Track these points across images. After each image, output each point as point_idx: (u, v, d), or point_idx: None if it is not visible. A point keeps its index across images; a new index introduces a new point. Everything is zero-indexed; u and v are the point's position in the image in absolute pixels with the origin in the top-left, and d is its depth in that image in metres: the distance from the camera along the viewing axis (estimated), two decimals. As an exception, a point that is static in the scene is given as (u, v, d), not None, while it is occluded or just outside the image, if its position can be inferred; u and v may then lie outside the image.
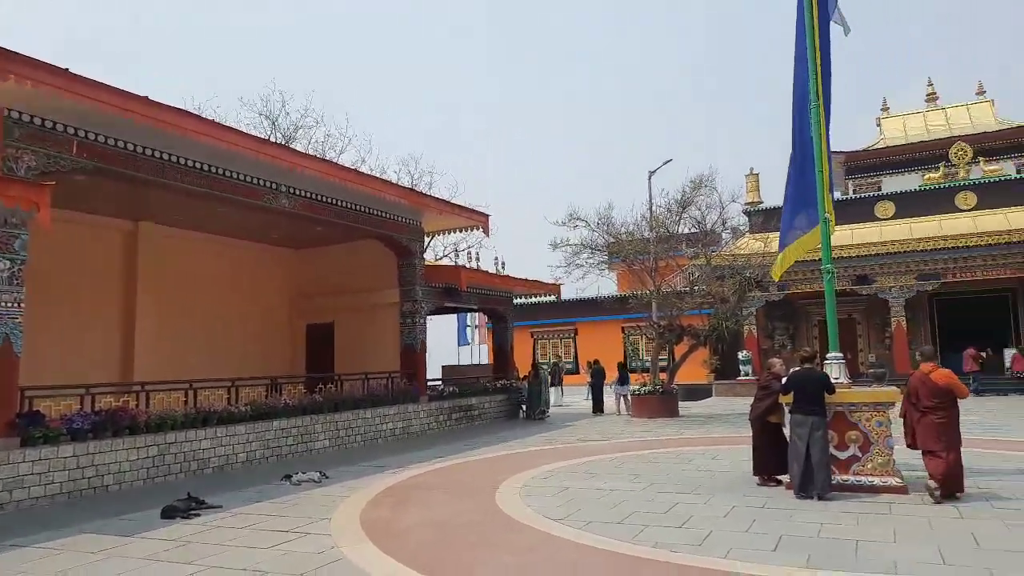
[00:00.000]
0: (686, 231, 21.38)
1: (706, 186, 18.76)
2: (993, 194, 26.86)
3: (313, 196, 14.60)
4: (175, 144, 11.21)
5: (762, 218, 28.71)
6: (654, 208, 20.62)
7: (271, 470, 11.54)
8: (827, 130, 9.00)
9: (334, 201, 15.16)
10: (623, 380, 21.34)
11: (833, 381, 8.83)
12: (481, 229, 18.64)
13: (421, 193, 18.41)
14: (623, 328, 31.20)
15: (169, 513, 8.07)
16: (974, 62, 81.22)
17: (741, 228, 27.84)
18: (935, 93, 36.10)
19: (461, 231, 20.23)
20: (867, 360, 29.41)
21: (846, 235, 27.51)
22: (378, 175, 20.23)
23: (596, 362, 23.44)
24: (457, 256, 30.14)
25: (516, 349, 34.71)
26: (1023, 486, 8.32)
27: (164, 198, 13.40)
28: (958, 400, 8.03)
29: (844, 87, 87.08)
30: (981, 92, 35.41)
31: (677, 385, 23.00)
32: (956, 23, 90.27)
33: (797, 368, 8.85)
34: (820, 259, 9.56)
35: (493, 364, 23.60)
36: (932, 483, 7.65)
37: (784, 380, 8.84)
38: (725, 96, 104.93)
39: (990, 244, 24.76)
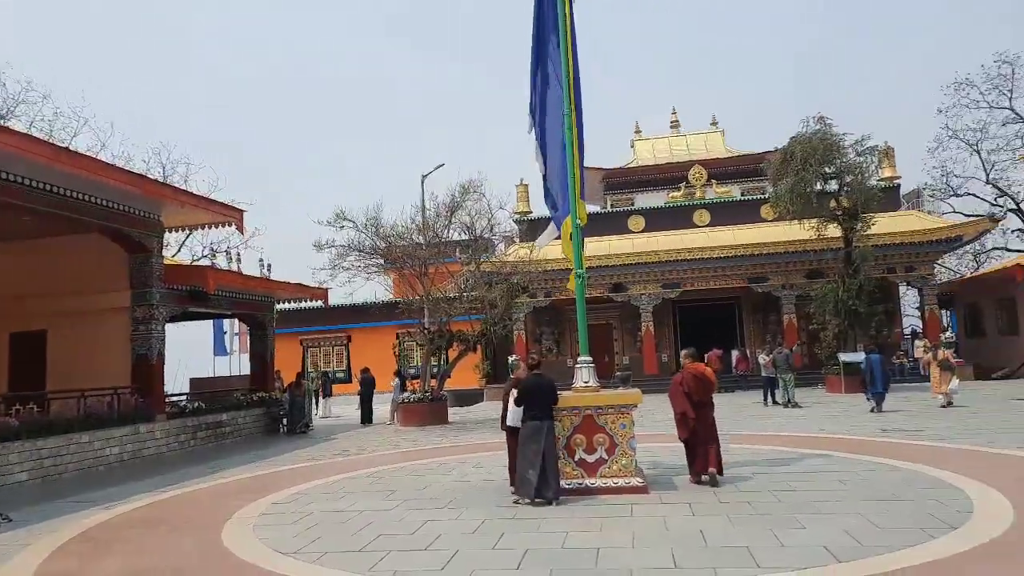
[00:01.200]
0: (457, 237, 21.33)
1: (475, 192, 18.82)
2: (723, 213, 30.53)
3: (17, 179, 12.05)
4: None
5: (530, 227, 29.85)
6: (425, 212, 20.28)
7: (-67, 518, 9.14)
8: (580, 138, 9.16)
9: (47, 187, 12.65)
10: (368, 390, 20.74)
11: (583, 385, 8.99)
12: (235, 226, 16.87)
13: (156, 181, 16.21)
14: (398, 335, 30.53)
15: None
16: (711, 95, 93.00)
17: (511, 236, 28.61)
18: (678, 121, 40.33)
19: (213, 227, 18.14)
20: (621, 363, 31.86)
21: (603, 246, 29.54)
22: (123, 165, 17.46)
23: (366, 370, 22.55)
24: (215, 256, 27.44)
25: (285, 359, 32.65)
26: (752, 477, 9.06)
27: None
28: None
29: (609, 109, 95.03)
30: (715, 123, 40.23)
31: (448, 391, 22.89)
32: (696, 60, 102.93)
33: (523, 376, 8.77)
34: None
35: (252, 375, 21.64)
36: (712, 470, 8.67)
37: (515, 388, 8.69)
38: (498, 105, 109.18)
39: (721, 257, 28.04)
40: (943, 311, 31.67)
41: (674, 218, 30.91)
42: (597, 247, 29.25)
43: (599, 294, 29.66)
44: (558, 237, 9.83)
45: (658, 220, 30.95)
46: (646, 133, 40.45)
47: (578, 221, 9.07)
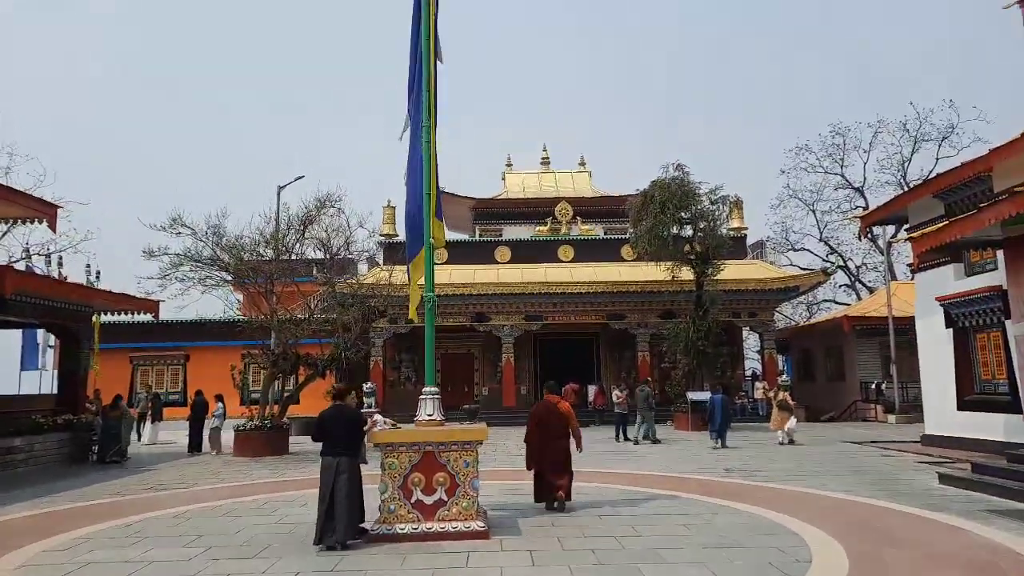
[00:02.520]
0: (312, 254, 19.98)
1: (332, 206, 17.67)
2: (586, 250, 31.11)
3: None
4: None
5: (394, 250, 28.87)
6: (279, 225, 18.85)
7: None
8: (436, 153, 8.53)
9: None
10: (199, 415, 18.95)
11: (426, 418, 8.25)
12: (47, 223, 14.73)
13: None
14: (243, 355, 28.19)
15: None
16: (580, 136, 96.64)
17: (373, 257, 27.50)
18: (548, 158, 41.16)
19: (22, 223, 15.83)
20: (481, 393, 31.35)
21: (469, 275, 29.11)
22: None
23: (199, 393, 20.46)
24: (29, 258, 24.23)
25: (112, 377, 29.19)
26: (598, 518, 8.63)
27: None
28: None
29: (481, 140, 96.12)
30: (583, 163, 41.42)
31: (294, 419, 21.24)
32: (569, 102, 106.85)
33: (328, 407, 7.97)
34: (445, 293, 9.04)
35: (61, 394, 18.96)
36: (561, 494, 9.13)
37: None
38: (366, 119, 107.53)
39: (582, 292, 28.40)
40: (780, 355, 33.93)
41: (540, 252, 31.11)
42: (463, 275, 28.79)
43: (462, 323, 29.12)
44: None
45: (524, 252, 31.01)
46: (517, 167, 40.90)
47: (431, 240, 8.41)
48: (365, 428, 7.87)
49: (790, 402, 18.77)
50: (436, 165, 8.43)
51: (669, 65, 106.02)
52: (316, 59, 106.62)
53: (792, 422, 18.18)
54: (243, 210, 26.43)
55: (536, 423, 9.37)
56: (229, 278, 17.79)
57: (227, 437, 19.28)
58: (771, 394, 19.46)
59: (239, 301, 24.72)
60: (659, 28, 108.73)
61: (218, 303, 35.28)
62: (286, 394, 19.71)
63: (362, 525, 7.71)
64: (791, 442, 17.93)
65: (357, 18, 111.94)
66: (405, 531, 7.64)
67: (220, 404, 19.01)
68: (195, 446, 19.26)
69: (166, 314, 22.00)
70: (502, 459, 15.39)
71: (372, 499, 7.83)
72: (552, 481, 9.16)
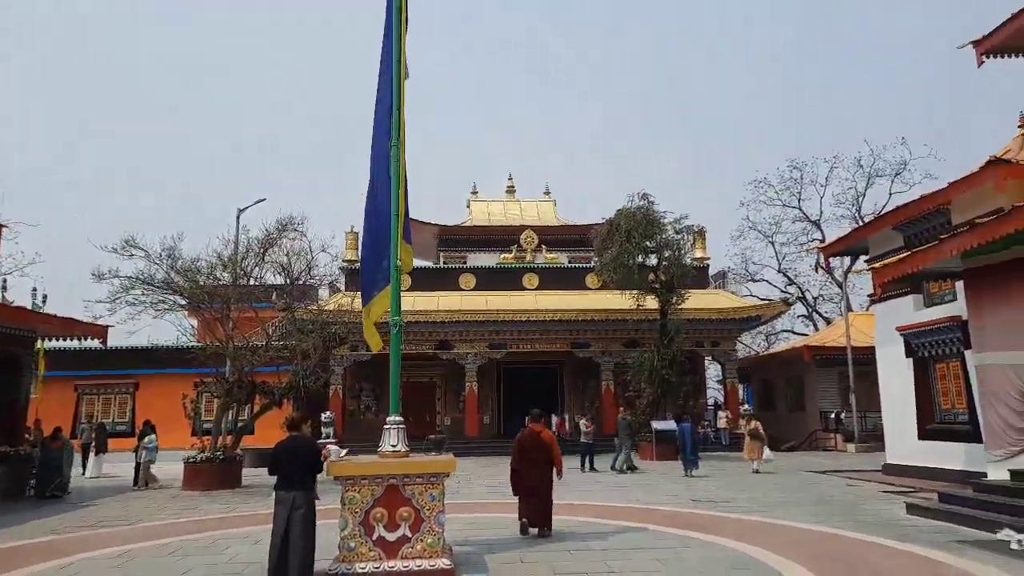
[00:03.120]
0: (272, 279, 19.38)
1: (293, 229, 17.20)
2: (551, 278, 31.04)
3: None
4: None
5: (359, 276, 28.35)
6: (237, 249, 18.29)
7: None
8: (405, 175, 8.27)
9: None
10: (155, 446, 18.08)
11: (390, 449, 7.86)
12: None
13: None
14: (196, 384, 27.14)
15: None
16: (545, 167, 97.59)
17: (335, 284, 26.96)
18: (513, 186, 41.24)
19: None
20: (443, 423, 30.77)
21: (432, 302, 28.73)
22: None
23: (146, 424, 19.52)
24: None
25: (56, 407, 27.78)
26: (569, 553, 8.30)
27: None
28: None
29: (446, 169, 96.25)
30: (548, 192, 41.62)
31: (248, 450, 20.42)
32: (534, 133, 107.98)
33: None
34: (408, 320, 8.70)
35: (-4, 425, 17.90)
36: (535, 529, 9.46)
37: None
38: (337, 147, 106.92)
39: (547, 320, 28.22)
40: (740, 385, 34.18)
41: (505, 279, 30.93)
42: (427, 302, 28.40)
43: (425, 350, 28.65)
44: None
45: (489, 280, 30.79)
46: (483, 196, 40.88)
47: (398, 263, 8.10)
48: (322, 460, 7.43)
49: (761, 431, 18.98)
50: (405, 186, 8.17)
51: (633, 97, 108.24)
52: (278, 80, 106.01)
53: (767, 452, 18.61)
54: (201, 235, 25.73)
55: (519, 451, 9.80)
56: (183, 303, 17.10)
57: (171, 469, 18.43)
58: (743, 424, 19.68)
59: (193, 327, 23.90)
60: (625, 58, 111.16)
61: (171, 329, 34.08)
62: (240, 424, 18.95)
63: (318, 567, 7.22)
64: (756, 471, 18.14)
65: (318, 41, 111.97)
66: (366, 570, 7.19)
67: (152, 435, 18.13)
68: (144, 480, 18.33)
69: (115, 340, 21.08)
70: (466, 492, 14.92)
71: (325, 535, 7.35)
72: (534, 508, 9.56)
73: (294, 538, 6.78)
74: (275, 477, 7.18)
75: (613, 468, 19.34)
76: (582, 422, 21.46)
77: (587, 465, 19.64)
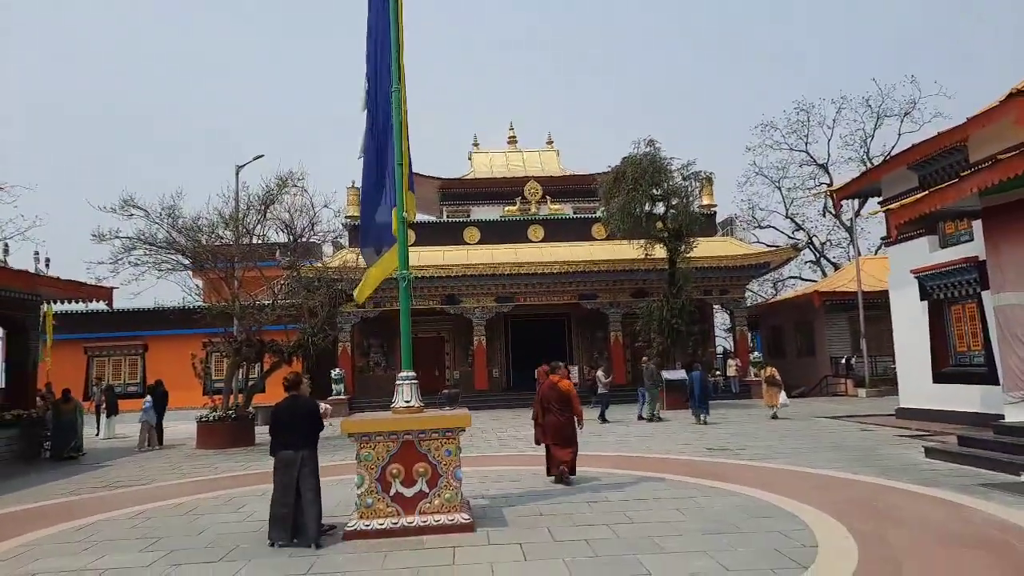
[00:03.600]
0: (275, 237, 19.10)
1: (294, 185, 16.84)
2: (556, 230, 30.66)
3: None
4: None
5: (360, 232, 28.05)
6: (238, 207, 17.97)
7: None
8: (407, 122, 7.92)
9: None
10: (160, 406, 18.09)
11: (403, 405, 7.72)
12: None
13: None
14: (204, 344, 27.16)
15: None
16: (548, 115, 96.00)
17: (339, 239, 26.66)
18: (515, 137, 40.38)
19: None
20: (452, 378, 30.84)
21: (437, 256, 28.48)
22: None
23: (158, 383, 19.56)
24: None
25: (67, 370, 27.89)
26: (586, 505, 8.23)
27: None
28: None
29: (447, 121, 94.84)
30: (550, 142, 40.76)
31: (259, 408, 20.50)
32: (530, 81, 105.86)
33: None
34: (415, 275, 8.43)
35: (8, 388, 17.94)
36: (564, 468, 9.71)
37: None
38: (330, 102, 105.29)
39: (554, 272, 27.97)
40: (749, 332, 34.06)
41: (509, 232, 30.57)
42: (432, 257, 28.15)
43: (432, 305, 28.52)
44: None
45: (494, 233, 30.44)
46: (484, 147, 40.12)
47: (404, 214, 7.81)
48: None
49: (778, 377, 19.22)
50: (407, 133, 7.83)
51: (634, 44, 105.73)
52: (274, 39, 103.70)
53: (783, 397, 18.88)
54: (200, 193, 25.32)
55: (540, 402, 10.11)
56: (186, 262, 16.88)
57: (185, 428, 18.48)
58: (760, 372, 19.91)
59: (199, 287, 23.74)
60: (626, 7, 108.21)
61: (177, 290, 34.00)
62: (251, 383, 18.94)
63: (323, 522, 7.27)
64: (774, 416, 18.49)
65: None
66: (384, 526, 7.13)
67: (148, 396, 18.19)
68: (157, 439, 18.46)
69: (122, 302, 20.97)
70: (480, 445, 14.93)
71: (338, 491, 7.29)
72: (557, 455, 9.82)
73: (307, 496, 6.87)
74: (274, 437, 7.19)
75: (641, 417, 19.51)
76: (599, 373, 21.39)
77: (605, 416, 19.64)
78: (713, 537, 6.58)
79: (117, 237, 15.61)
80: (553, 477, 9.89)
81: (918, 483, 8.83)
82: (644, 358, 21.86)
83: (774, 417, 18.50)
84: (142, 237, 15.83)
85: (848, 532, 6.54)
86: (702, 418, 17.94)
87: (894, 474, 9.56)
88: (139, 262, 15.93)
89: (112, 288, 17.36)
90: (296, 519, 6.85)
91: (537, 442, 10.31)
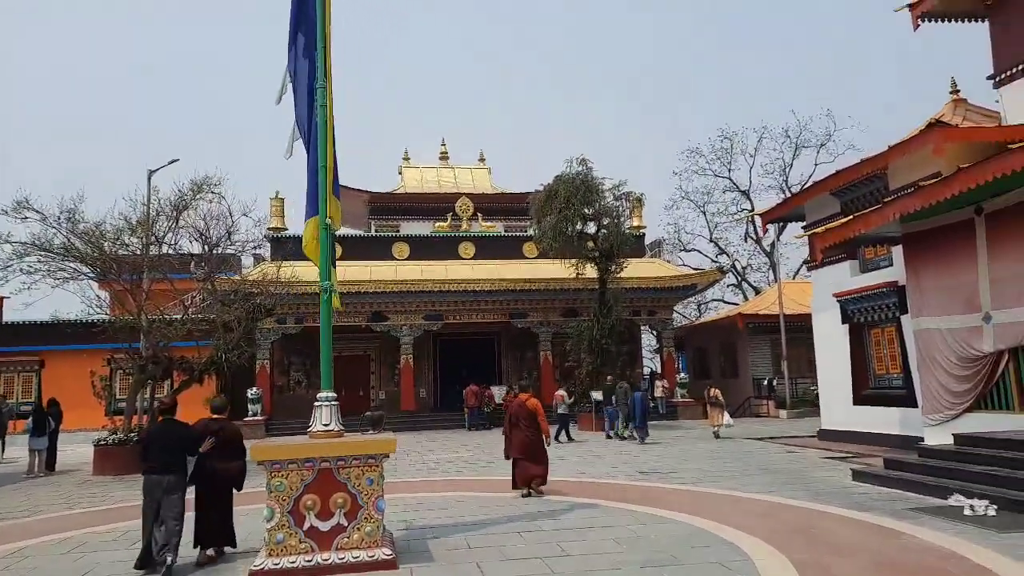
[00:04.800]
0: (189, 248, 17.91)
1: (210, 191, 15.80)
2: (488, 247, 30.28)
3: None
4: None
5: (285, 245, 26.90)
6: (148, 214, 16.73)
7: None
8: (332, 120, 7.35)
9: None
10: (40, 427, 16.39)
11: (321, 428, 7.07)
12: None
13: None
14: (107, 360, 25.27)
15: None
16: (479, 134, 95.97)
17: (260, 253, 25.44)
18: (447, 152, 40.01)
19: None
20: (378, 398, 29.84)
21: (365, 272, 27.59)
22: None
23: (52, 403, 17.94)
24: None
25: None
26: (519, 535, 7.74)
27: None
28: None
29: (377, 134, 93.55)
30: (482, 159, 40.59)
31: (167, 430, 19.07)
32: (461, 96, 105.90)
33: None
34: (340, 291, 7.82)
35: None
36: (537, 482, 10.40)
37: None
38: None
39: (485, 290, 27.51)
40: (676, 353, 34.50)
41: (440, 248, 29.99)
42: (359, 272, 27.23)
43: (358, 322, 27.55)
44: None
45: (424, 249, 29.79)
46: (415, 162, 39.53)
47: (328, 221, 7.22)
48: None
49: (721, 398, 19.80)
50: (333, 133, 7.26)
51: (561, 60, 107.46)
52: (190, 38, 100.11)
53: (727, 417, 19.43)
54: (106, 200, 23.62)
55: (508, 417, 10.89)
56: (87, 271, 15.53)
57: (82, 451, 16.99)
58: (706, 393, 20.75)
59: (101, 299, 22.08)
60: (551, 17, 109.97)
61: (78, 302, 31.70)
62: (157, 402, 17.58)
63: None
64: (716, 436, 19.17)
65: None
66: (296, 565, 6.43)
67: (31, 419, 16.68)
68: (48, 463, 16.88)
69: (14, 315, 19.25)
70: (403, 470, 14.22)
71: (247, 524, 6.58)
72: (526, 470, 10.44)
73: (170, 522, 6.81)
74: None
75: (570, 439, 19.50)
76: (561, 392, 21.24)
77: (564, 435, 19.39)
78: (653, 570, 6.21)
79: (8, 242, 14.21)
80: (523, 491, 10.36)
81: (848, 507, 8.76)
82: (609, 378, 21.78)
83: (717, 436, 19.02)
84: (36, 243, 14.46)
85: (789, 562, 6.30)
86: (642, 439, 18.23)
87: (826, 498, 9.49)
88: (32, 269, 14.54)
89: (1, 297, 15.81)
90: (147, 548, 6.81)
91: (507, 456, 10.83)
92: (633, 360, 30.66)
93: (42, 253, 14.50)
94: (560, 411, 20.09)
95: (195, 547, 7.13)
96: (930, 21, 15.81)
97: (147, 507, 6.88)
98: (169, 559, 6.62)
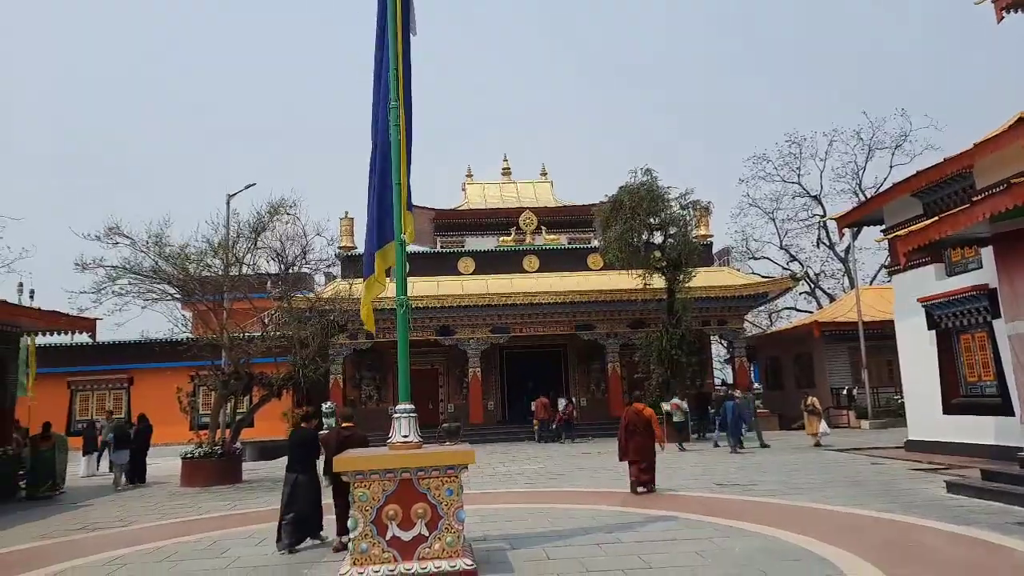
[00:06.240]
0: (266, 267, 18.59)
1: (287, 213, 16.39)
2: (552, 260, 30.31)
3: None
4: None
5: (355, 263, 27.60)
6: (228, 236, 17.47)
7: None
8: (408, 137, 7.53)
9: None
10: (122, 442, 16.96)
11: (401, 440, 7.18)
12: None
13: None
14: (191, 377, 26.44)
15: None
16: (541, 148, 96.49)
17: (331, 271, 26.19)
18: (509, 168, 40.30)
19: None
20: (447, 411, 30.14)
21: (432, 287, 28.01)
22: None
23: (142, 419, 18.85)
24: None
25: (49, 404, 27.03)
26: (599, 547, 7.66)
27: None
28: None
29: (440, 153, 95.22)
30: (544, 174, 40.72)
31: (248, 443, 19.78)
32: (525, 114, 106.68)
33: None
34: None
35: (-15, 425, 17.17)
36: (640, 488, 11.60)
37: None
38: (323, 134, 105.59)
39: (550, 303, 27.51)
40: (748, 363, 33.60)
41: (504, 262, 30.19)
42: (426, 288, 27.67)
43: (426, 337, 27.94)
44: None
45: (488, 263, 30.05)
46: (478, 178, 40.00)
47: (403, 236, 7.37)
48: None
49: (818, 406, 20.05)
50: (407, 151, 7.43)
51: (628, 76, 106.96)
52: (274, 67, 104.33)
53: (823, 425, 19.58)
54: (190, 223, 24.83)
55: (625, 425, 11.97)
56: (173, 292, 16.31)
57: (170, 465, 17.71)
58: (802, 403, 20.86)
59: (186, 318, 23.13)
60: (618, 38, 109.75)
61: (164, 321, 33.27)
62: (239, 417, 18.26)
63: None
64: (817, 445, 19.12)
65: (314, 21, 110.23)
66: (380, 574, 6.53)
67: (112, 434, 17.47)
68: (138, 476, 17.70)
69: (106, 334, 20.36)
70: (477, 482, 14.27)
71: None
72: (638, 476, 11.63)
73: (297, 499, 8.37)
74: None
75: (682, 448, 19.89)
76: (673, 401, 21.82)
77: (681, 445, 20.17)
78: (741, 585, 6.03)
79: (101, 266, 15.08)
80: (638, 487, 11.59)
81: (950, 521, 8.29)
82: (731, 392, 21.61)
83: (818, 444, 19.03)
84: (127, 266, 15.29)
85: (888, 578, 6.01)
86: (734, 447, 18.77)
87: (920, 511, 9.02)
88: (123, 292, 15.37)
89: (95, 319, 16.75)
90: (280, 528, 8.32)
91: (621, 458, 12.02)
92: (703, 371, 30.03)
93: (132, 276, 15.35)
94: (676, 420, 21.01)
95: (338, 535, 8.15)
96: (1016, 11, 15.07)
97: (283, 496, 8.51)
98: (287, 540, 8.11)
